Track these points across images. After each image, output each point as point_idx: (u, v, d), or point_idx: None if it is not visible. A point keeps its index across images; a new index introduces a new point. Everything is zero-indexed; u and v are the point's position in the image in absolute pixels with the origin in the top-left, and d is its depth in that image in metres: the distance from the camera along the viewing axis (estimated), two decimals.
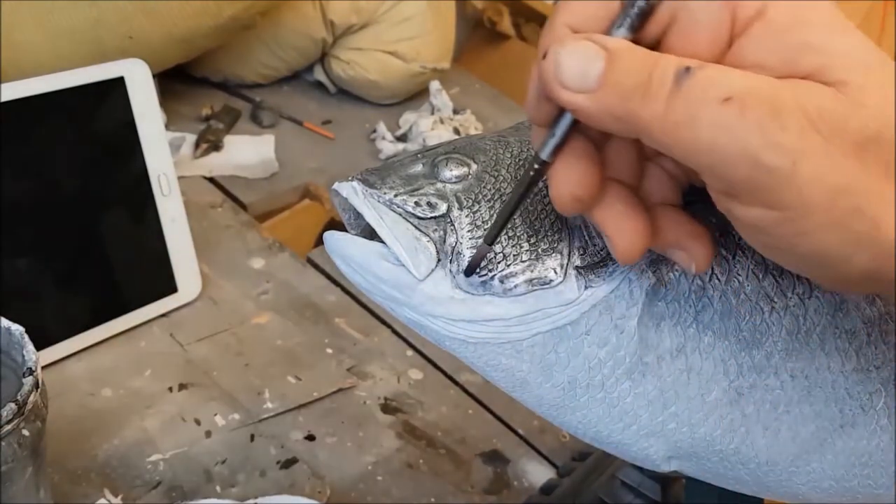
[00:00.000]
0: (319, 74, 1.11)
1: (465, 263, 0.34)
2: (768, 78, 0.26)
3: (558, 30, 0.28)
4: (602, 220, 0.30)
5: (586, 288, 0.34)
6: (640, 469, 0.63)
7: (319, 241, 0.89)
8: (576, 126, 0.29)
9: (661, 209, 0.31)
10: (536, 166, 0.30)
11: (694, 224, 0.31)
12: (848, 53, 0.26)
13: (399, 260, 0.34)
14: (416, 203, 0.35)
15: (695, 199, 0.32)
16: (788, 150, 0.25)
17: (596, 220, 0.30)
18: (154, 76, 0.71)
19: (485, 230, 0.34)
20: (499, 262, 0.34)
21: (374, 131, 1.06)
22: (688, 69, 0.26)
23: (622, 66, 0.26)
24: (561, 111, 0.29)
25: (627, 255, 0.30)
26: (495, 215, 0.34)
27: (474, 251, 0.34)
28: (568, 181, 0.29)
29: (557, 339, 0.34)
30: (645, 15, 0.27)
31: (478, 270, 0.34)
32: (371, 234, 0.35)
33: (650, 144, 0.27)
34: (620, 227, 0.30)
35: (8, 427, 0.41)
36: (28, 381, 0.43)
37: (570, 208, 0.29)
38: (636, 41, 0.27)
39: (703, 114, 0.25)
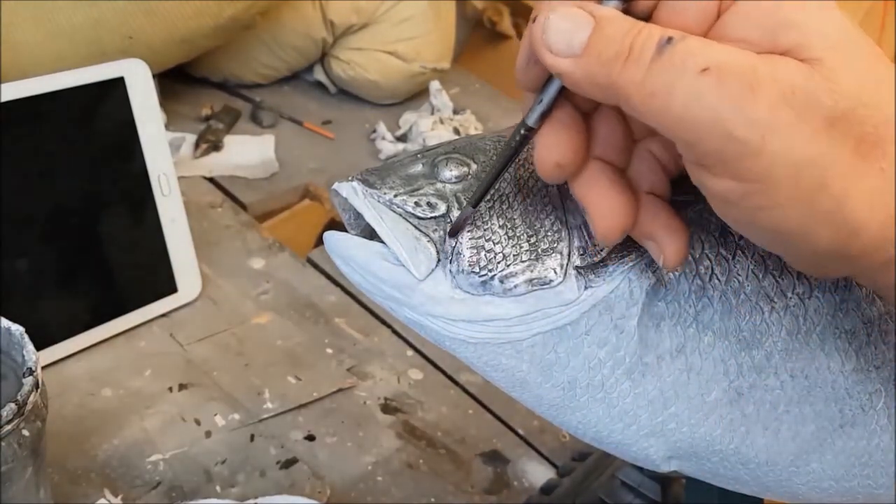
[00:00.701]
0: (319, 74, 1.11)
1: (465, 263, 0.34)
2: (747, 52, 0.27)
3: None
4: (584, 194, 0.31)
5: (586, 288, 0.34)
6: (640, 469, 0.63)
7: (319, 241, 0.89)
8: (563, 93, 0.29)
9: (645, 197, 0.31)
10: (523, 132, 0.30)
11: (672, 218, 0.31)
12: (825, 32, 0.27)
13: (399, 260, 0.34)
14: (416, 203, 0.35)
15: (696, 199, 0.32)
16: (759, 124, 0.26)
17: (578, 194, 0.31)
18: (154, 76, 0.71)
19: (485, 230, 0.34)
20: (499, 262, 0.34)
21: (374, 131, 1.06)
22: (670, 39, 0.26)
23: (607, 32, 0.27)
24: (549, 78, 0.29)
25: (607, 233, 0.30)
26: (485, 175, 0.34)
27: (474, 251, 0.34)
28: (552, 147, 0.30)
29: (557, 339, 0.34)
30: None
31: (478, 270, 0.34)
32: (371, 234, 0.35)
33: (630, 112, 0.28)
34: (602, 204, 0.30)
35: (8, 427, 0.41)
36: (28, 381, 0.43)
37: (552, 175, 0.30)
38: (628, 11, 0.28)
39: (681, 83, 0.26)
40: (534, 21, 0.28)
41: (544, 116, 0.30)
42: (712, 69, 0.26)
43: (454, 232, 0.34)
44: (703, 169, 0.28)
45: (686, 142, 0.27)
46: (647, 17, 0.28)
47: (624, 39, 0.27)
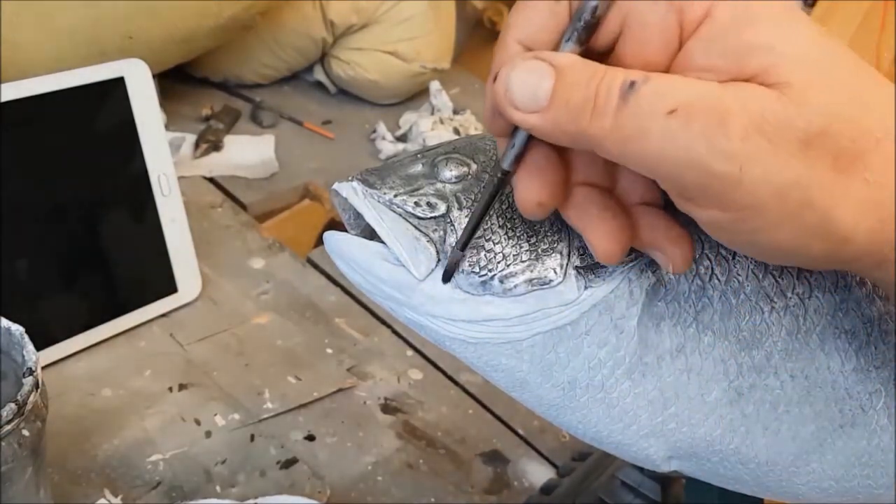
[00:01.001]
0: (319, 74, 1.12)
1: (465, 263, 0.34)
2: (713, 84, 0.26)
3: (509, 47, 0.29)
4: (578, 223, 0.31)
5: (586, 288, 0.34)
6: (640, 469, 0.63)
7: (319, 241, 0.89)
8: (533, 136, 0.29)
9: (639, 210, 0.31)
10: (500, 174, 0.30)
11: (672, 226, 0.31)
12: (792, 52, 0.26)
13: (399, 260, 0.34)
14: (416, 203, 0.35)
15: None
16: (734, 156, 0.26)
17: (574, 224, 0.31)
18: (154, 76, 0.71)
19: (484, 230, 0.34)
20: (499, 262, 0.34)
21: (374, 131, 1.06)
22: (632, 84, 0.26)
23: (570, 80, 0.27)
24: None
25: (607, 257, 0.31)
26: (468, 219, 0.34)
27: (474, 251, 0.34)
28: (531, 189, 0.30)
29: (557, 339, 0.34)
30: (592, 27, 0.28)
31: (478, 270, 0.34)
32: (371, 234, 0.35)
33: (603, 156, 0.28)
34: (598, 230, 0.30)
35: (8, 427, 0.41)
36: (28, 381, 0.43)
37: (535, 213, 0.31)
38: (588, 52, 0.28)
39: (650, 126, 0.26)
40: (494, 80, 0.28)
41: (519, 159, 0.30)
42: (679, 109, 0.26)
43: (447, 277, 0.34)
44: (688, 202, 0.28)
45: (666, 180, 0.28)
46: (608, 54, 0.29)
47: (588, 87, 0.27)
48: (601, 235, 0.30)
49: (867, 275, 0.31)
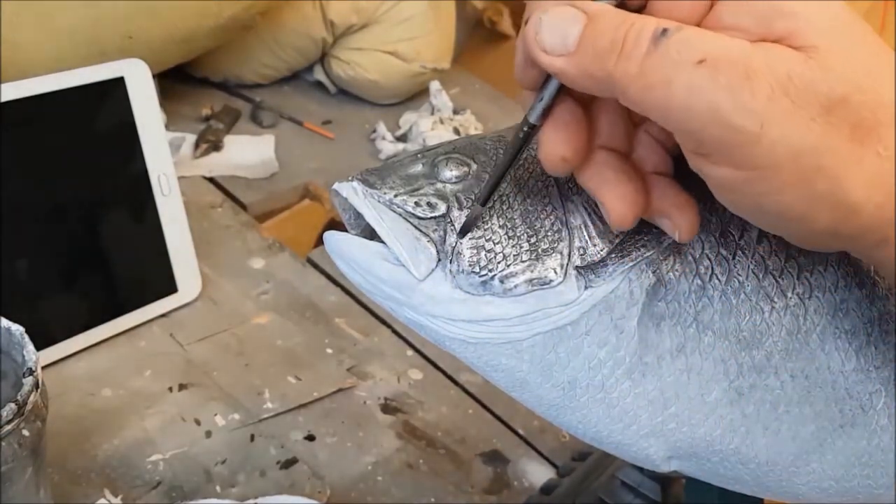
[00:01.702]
0: (319, 74, 1.11)
1: (465, 263, 0.34)
2: (742, 41, 0.27)
3: None
4: (595, 186, 0.31)
5: (586, 288, 0.34)
6: (640, 469, 0.63)
7: (319, 241, 0.89)
8: (563, 89, 0.30)
9: (652, 178, 0.32)
10: (526, 129, 0.31)
11: (681, 194, 0.32)
12: (819, 19, 0.27)
13: (399, 260, 0.34)
14: (416, 203, 0.35)
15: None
16: (757, 113, 0.26)
17: (590, 186, 0.32)
18: (154, 76, 0.71)
19: (485, 230, 0.34)
20: (499, 262, 0.34)
21: (374, 131, 1.06)
22: (664, 31, 0.27)
23: (599, 26, 0.27)
24: (548, 76, 0.30)
25: (621, 221, 0.31)
26: (490, 173, 0.34)
27: (474, 251, 0.34)
28: (556, 143, 0.30)
29: (557, 340, 0.34)
30: None
31: (478, 270, 0.34)
32: (371, 234, 0.35)
33: (627, 104, 0.28)
34: (613, 192, 0.31)
35: (8, 427, 0.41)
36: (28, 381, 0.43)
37: (558, 169, 0.31)
38: (622, 6, 0.28)
39: (677, 75, 0.26)
40: (526, 23, 0.29)
41: (546, 113, 0.30)
42: (708, 60, 0.26)
43: (465, 231, 0.34)
44: (702, 157, 0.28)
45: (684, 132, 0.28)
46: (641, 10, 0.29)
47: (617, 32, 0.27)
48: (616, 197, 0.31)
49: (866, 255, 0.31)
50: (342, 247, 0.35)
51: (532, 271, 0.34)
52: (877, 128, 0.27)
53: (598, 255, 0.34)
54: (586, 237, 0.34)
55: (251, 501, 0.57)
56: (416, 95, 1.14)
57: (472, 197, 0.35)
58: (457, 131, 1.05)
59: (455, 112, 1.10)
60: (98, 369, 0.65)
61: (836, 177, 0.27)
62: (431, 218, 0.34)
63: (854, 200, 0.27)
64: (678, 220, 0.31)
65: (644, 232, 0.34)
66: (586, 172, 0.31)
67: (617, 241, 0.34)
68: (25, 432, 0.43)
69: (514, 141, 0.31)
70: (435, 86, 1.11)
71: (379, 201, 0.35)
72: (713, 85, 0.26)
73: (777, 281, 0.35)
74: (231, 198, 0.89)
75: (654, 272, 0.34)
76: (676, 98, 0.26)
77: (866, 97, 0.27)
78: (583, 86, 0.28)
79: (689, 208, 0.32)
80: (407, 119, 1.08)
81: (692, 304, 0.35)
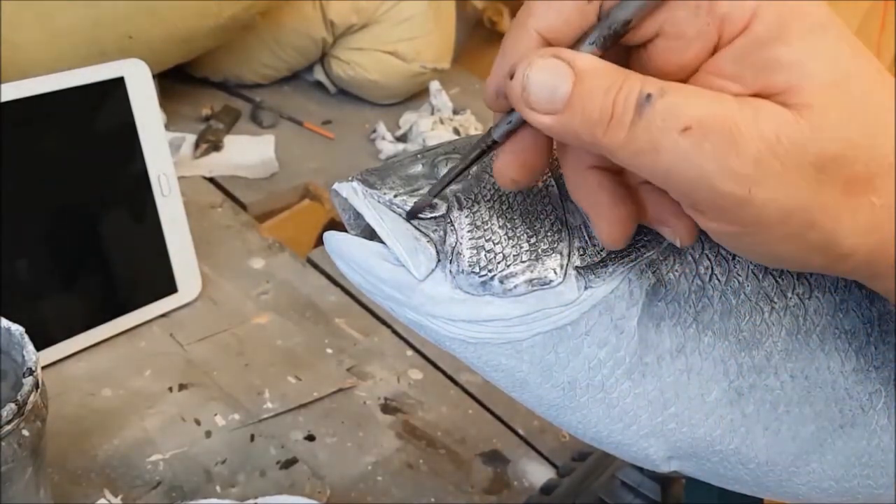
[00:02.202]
0: (319, 74, 1.12)
1: (465, 264, 0.34)
2: (730, 101, 0.26)
3: (528, 37, 0.29)
4: (588, 207, 0.32)
5: (586, 288, 0.34)
6: (640, 469, 0.63)
7: (319, 241, 0.89)
8: None
9: (646, 188, 0.32)
10: (489, 143, 0.31)
11: (676, 202, 0.31)
12: (816, 71, 0.26)
13: (399, 260, 0.34)
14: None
15: None
16: (744, 178, 0.26)
17: (582, 206, 0.32)
18: (154, 76, 0.71)
19: (485, 230, 0.34)
20: (499, 263, 0.34)
21: (374, 131, 1.06)
22: (649, 96, 0.26)
23: (587, 88, 0.27)
24: None
25: (613, 241, 0.31)
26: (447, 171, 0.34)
27: (474, 251, 0.34)
28: (511, 165, 0.31)
29: (557, 340, 0.34)
30: (619, 36, 0.27)
31: (478, 271, 0.34)
32: (371, 234, 0.35)
33: (614, 162, 0.28)
34: (606, 216, 0.31)
35: (8, 427, 0.41)
36: (28, 381, 0.43)
37: (507, 186, 0.32)
38: (616, 44, 0.28)
39: (663, 143, 0.26)
40: (511, 77, 0.28)
41: (509, 134, 0.30)
42: (694, 127, 0.26)
43: (411, 215, 0.34)
44: (696, 212, 0.29)
45: (675, 193, 0.28)
46: (639, 48, 0.28)
47: (605, 98, 0.27)
48: (609, 221, 0.31)
49: (864, 283, 0.31)
50: (342, 247, 0.35)
51: (532, 271, 0.34)
52: (871, 179, 0.27)
53: (598, 256, 0.34)
54: (586, 237, 0.34)
55: (251, 501, 0.57)
56: (416, 95, 1.14)
57: (472, 197, 0.35)
58: (457, 131, 1.05)
59: (455, 112, 1.10)
60: (98, 369, 0.65)
61: (828, 229, 0.27)
62: (431, 218, 0.34)
63: (847, 248, 0.28)
64: (677, 226, 0.31)
65: (644, 232, 0.34)
66: (579, 193, 0.32)
67: None
68: (25, 432, 0.43)
69: (475, 149, 0.32)
70: (435, 86, 1.11)
71: (379, 201, 0.35)
72: (699, 152, 0.26)
73: (777, 281, 0.35)
74: (231, 198, 0.89)
75: (653, 272, 0.34)
76: (663, 164, 0.26)
77: (861, 151, 0.26)
78: (568, 142, 0.28)
79: (687, 215, 0.32)
80: (407, 119, 1.08)
81: (692, 305, 0.35)
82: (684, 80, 0.28)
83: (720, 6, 0.27)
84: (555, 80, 0.27)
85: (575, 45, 0.28)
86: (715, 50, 0.28)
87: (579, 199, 0.32)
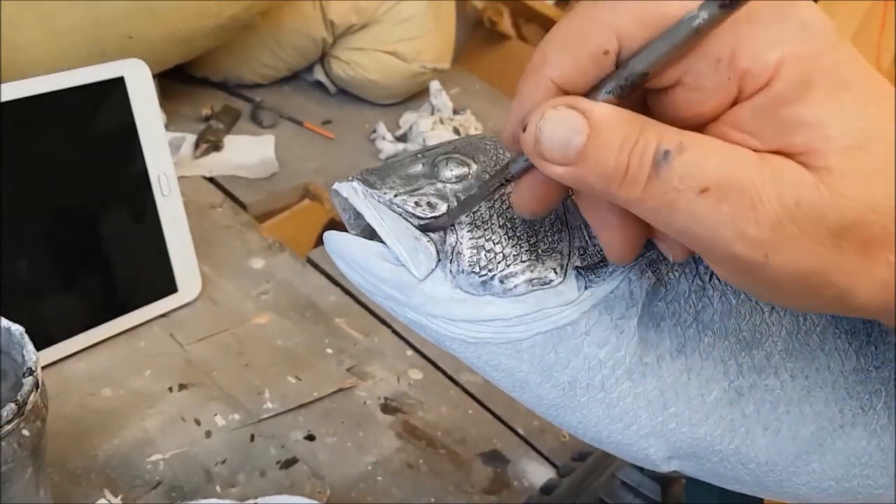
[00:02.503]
0: (319, 74, 1.12)
1: (465, 263, 0.34)
2: (749, 160, 0.26)
3: (542, 86, 0.28)
4: (597, 227, 0.31)
5: (586, 288, 0.34)
6: (640, 469, 0.63)
7: (319, 241, 0.89)
8: None
9: None
10: (506, 178, 0.31)
11: None
12: (838, 132, 0.26)
13: (399, 260, 0.34)
14: (417, 203, 0.35)
15: None
16: (761, 243, 0.26)
17: (592, 224, 0.32)
18: (154, 76, 0.71)
19: (485, 230, 0.34)
20: (499, 262, 0.34)
21: (374, 131, 1.06)
22: (667, 153, 0.26)
23: (602, 141, 0.26)
24: None
25: (621, 260, 0.31)
26: (466, 199, 0.34)
27: (475, 251, 0.34)
28: (529, 198, 0.31)
29: (557, 339, 0.34)
30: (636, 87, 0.27)
31: (478, 270, 0.34)
32: (371, 234, 0.35)
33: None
34: (615, 236, 0.31)
35: (8, 427, 0.41)
36: (28, 381, 0.43)
37: (525, 216, 0.32)
38: (637, 88, 0.27)
39: (680, 203, 0.26)
40: (524, 129, 0.27)
41: (527, 170, 0.30)
42: (712, 189, 0.25)
43: (426, 229, 0.34)
44: (711, 263, 0.28)
45: (690, 247, 0.28)
46: (657, 95, 0.28)
47: (620, 153, 0.26)
48: (618, 242, 0.31)
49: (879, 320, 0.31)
50: (342, 247, 0.35)
51: (532, 271, 0.34)
52: (888, 238, 0.26)
53: (598, 255, 0.34)
54: (586, 237, 0.34)
55: (251, 501, 0.57)
56: (416, 95, 1.14)
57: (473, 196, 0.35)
58: (457, 131, 1.05)
59: (455, 112, 1.10)
60: (98, 369, 0.65)
61: (843, 287, 0.27)
62: (431, 218, 0.34)
63: (861, 302, 0.27)
64: (673, 246, 0.31)
65: None
66: (589, 213, 0.31)
67: None
68: (25, 432, 0.43)
69: (493, 181, 0.32)
70: (435, 86, 1.11)
71: (379, 201, 0.35)
72: (716, 214, 0.25)
73: None
74: (231, 198, 0.89)
75: (654, 272, 0.35)
76: (679, 223, 0.26)
77: (879, 216, 0.26)
78: (582, 190, 0.28)
79: None
80: (407, 119, 1.08)
81: (692, 305, 0.35)
82: (701, 129, 0.27)
83: (741, 61, 0.26)
84: (568, 132, 0.26)
85: (591, 92, 0.27)
86: (735, 102, 0.27)
87: (588, 218, 0.31)
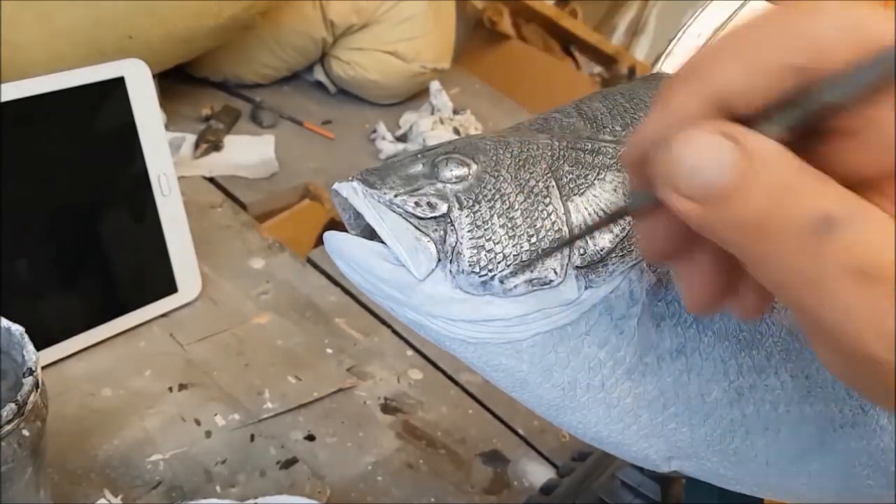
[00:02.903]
0: (319, 74, 1.12)
1: (465, 263, 0.34)
2: None
3: (694, 98, 0.23)
4: (686, 276, 0.26)
5: (586, 288, 0.34)
6: (640, 469, 0.63)
7: (319, 241, 0.89)
8: None
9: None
10: (624, 212, 0.28)
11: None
12: None
13: (399, 260, 0.34)
14: (417, 203, 0.35)
15: None
16: None
17: (680, 272, 0.27)
18: (154, 76, 0.71)
19: (485, 230, 0.34)
20: (499, 262, 0.34)
21: (374, 131, 1.06)
22: (831, 221, 0.20)
23: (753, 184, 0.21)
24: None
25: (696, 309, 0.27)
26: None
27: (475, 251, 0.34)
28: (656, 240, 0.26)
29: (557, 340, 0.34)
30: (814, 122, 0.21)
31: (478, 270, 0.34)
32: (371, 234, 0.35)
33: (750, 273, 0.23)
34: (702, 290, 0.26)
35: (8, 427, 0.41)
36: (28, 381, 0.43)
37: (653, 261, 0.29)
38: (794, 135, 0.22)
39: (828, 283, 0.21)
40: (660, 149, 0.22)
41: (651, 208, 0.25)
42: (868, 275, 0.20)
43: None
44: (820, 347, 0.23)
45: (809, 326, 0.23)
46: (818, 135, 0.22)
47: (775, 204, 0.21)
48: (704, 294, 0.26)
49: None
50: (342, 247, 0.35)
51: (532, 271, 0.34)
52: None
53: (599, 255, 0.34)
54: (587, 237, 0.34)
55: (251, 501, 0.57)
56: (416, 95, 1.14)
57: (473, 196, 0.35)
58: (457, 131, 1.05)
59: (455, 112, 1.10)
60: (98, 369, 0.65)
61: None
62: (432, 218, 0.34)
63: None
64: (749, 304, 0.27)
65: None
66: (680, 266, 0.26)
67: (617, 240, 0.34)
68: (25, 432, 0.43)
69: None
70: (435, 86, 1.11)
71: (379, 201, 0.35)
72: (864, 304, 0.20)
73: None
74: (231, 198, 0.89)
75: (654, 272, 0.34)
76: (813, 302, 0.21)
77: None
78: (705, 235, 0.23)
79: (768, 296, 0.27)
80: (407, 119, 1.08)
81: None
82: (858, 190, 0.22)
83: None
84: (716, 165, 0.21)
85: (753, 120, 0.22)
86: None
87: (679, 268, 0.26)
